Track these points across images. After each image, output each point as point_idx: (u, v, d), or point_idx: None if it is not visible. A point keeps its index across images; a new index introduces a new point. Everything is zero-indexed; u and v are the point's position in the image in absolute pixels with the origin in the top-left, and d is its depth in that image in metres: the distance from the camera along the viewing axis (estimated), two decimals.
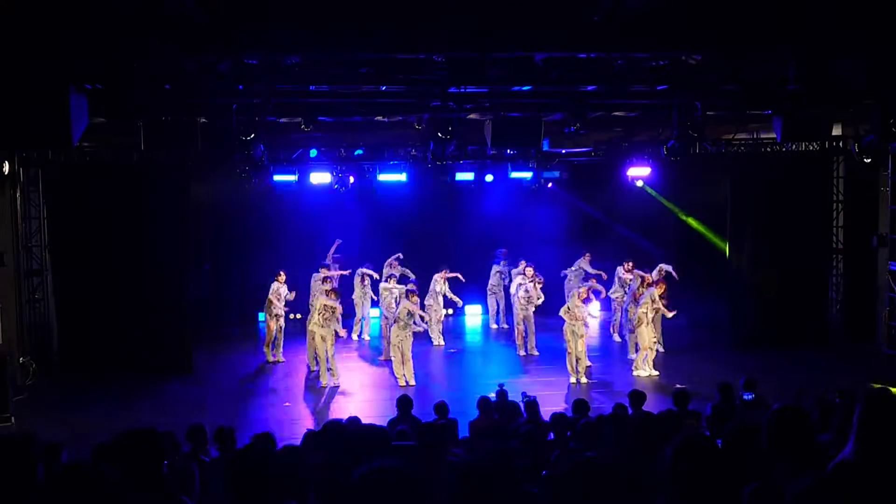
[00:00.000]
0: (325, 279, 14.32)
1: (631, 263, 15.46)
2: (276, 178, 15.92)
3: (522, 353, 15.10)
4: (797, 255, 15.39)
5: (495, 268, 17.32)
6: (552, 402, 10.82)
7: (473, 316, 18.61)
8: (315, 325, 13.31)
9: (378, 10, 8.36)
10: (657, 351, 14.32)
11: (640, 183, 16.37)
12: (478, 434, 8.24)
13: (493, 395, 9.27)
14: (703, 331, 16.28)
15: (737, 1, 8.76)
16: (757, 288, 15.47)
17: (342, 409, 11.97)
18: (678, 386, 11.12)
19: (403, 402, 8.69)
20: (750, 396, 8.84)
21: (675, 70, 10.68)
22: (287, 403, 12.62)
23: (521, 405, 8.85)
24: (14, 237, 13.65)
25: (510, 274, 16.78)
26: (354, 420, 7.51)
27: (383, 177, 16.19)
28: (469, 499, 3.35)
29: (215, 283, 17.51)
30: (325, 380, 13.20)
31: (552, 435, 7.46)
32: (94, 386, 13.16)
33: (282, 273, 15.06)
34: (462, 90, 10.91)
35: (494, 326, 17.61)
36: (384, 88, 10.94)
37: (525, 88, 11.11)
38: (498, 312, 17.60)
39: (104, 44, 8.55)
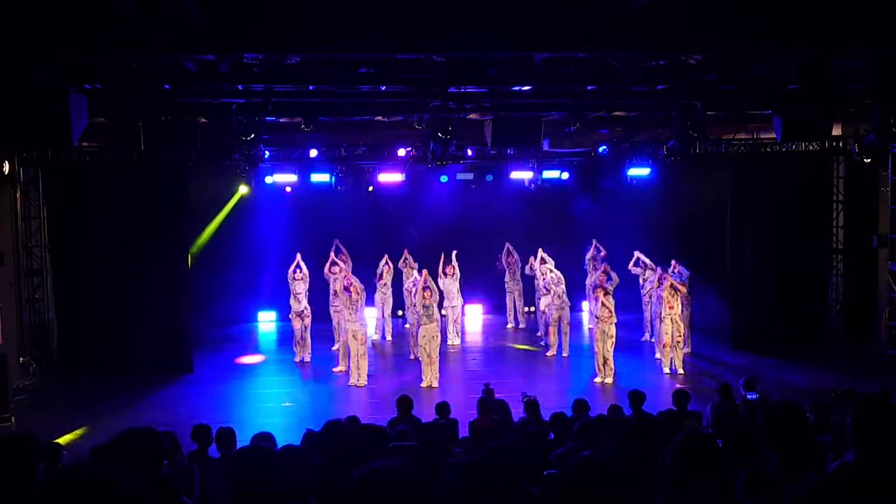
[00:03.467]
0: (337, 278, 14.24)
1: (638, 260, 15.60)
2: (276, 178, 15.94)
3: (552, 353, 15.09)
4: (797, 255, 15.38)
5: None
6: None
7: (473, 315, 18.61)
8: (347, 322, 13.29)
9: (378, 9, 8.36)
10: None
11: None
12: (478, 434, 8.24)
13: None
14: (703, 331, 16.28)
15: (737, 1, 8.75)
16: (757, 288, 15.46)
17: (343, 409, 11.96)
18: (678, 386, 11.16)
19: (403, 403, 8.69)
20: (754, 396, 8.84)
21: (675, 70, 10.67)
22: (287, 403, 12.62)
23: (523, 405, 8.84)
24: (14, 237, 13.67)
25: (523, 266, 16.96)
26: (354, 420, 7.51)
27: (383, 177, 16.18)
28: (469, 499, 3.35)
29: (215, 283, 17.50)
30: (354, 378, 13.18)
31: (552, 435, 7.46)
32: (93, 386, 13.16)
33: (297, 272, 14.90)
34: (462, 90, 10.91)
35: (511, 325, 17.63)
36: (384, 88, 10.94)
37: (525, 88, 11.11)
38: (515, 311, 17.61)
39: (104, 44, 8.54)
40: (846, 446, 2.97)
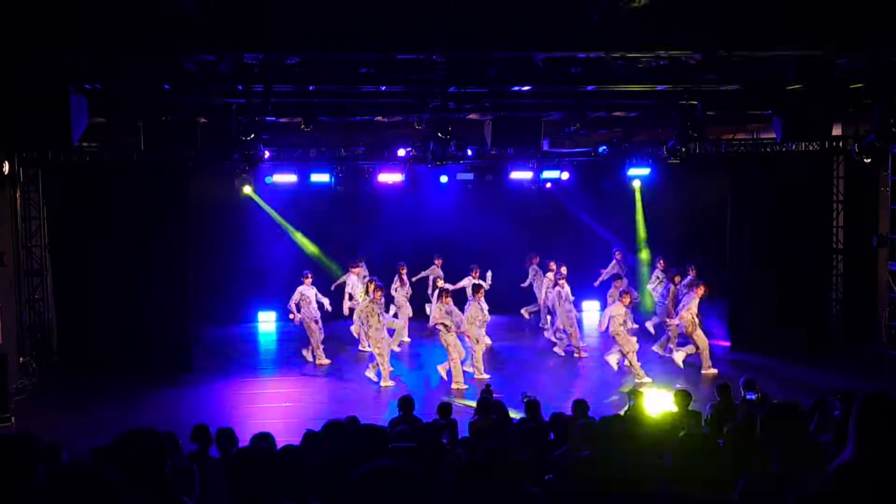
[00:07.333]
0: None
1: (662, 262, 15.51)
2: (276, 178, 15.91)
3: (561, 351, 15.15)
4: (797, 255, 15.38)
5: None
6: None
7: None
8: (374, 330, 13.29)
9: (378, 9, 8.36)
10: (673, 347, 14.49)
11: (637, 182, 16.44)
12: (478, 434, 8.24)
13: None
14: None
15: (737, 1, 8.75)
16: (757, 288, 15.46)
17: (343, 409, 11.95)
18: (678, 386, 11.15)
19: (405, 403, 8.70)
20: (753, 396, 8.85)
21: (675, 70, 10.66)
22: (287, 403, 12.62)
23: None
24: (14, 237, 13.67)
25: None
26: (354, 420, 7.52)
27: (383, 177, 16.18)
28: (469, 498, 3.36)
29: (215, 283, 17.50)
30: (372, 374, 13.26)
31: (552, 435, 7.46)
32: (94, 386, 13.15)
33: (308, 275, 14.79)
34: (462, 90, 10.90)
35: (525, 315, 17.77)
36: (384, 88, 10.93)
37: (525, 88, 11.10)
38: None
39: (104, 44, 8.55)
40: (846, 446, 2.96)
